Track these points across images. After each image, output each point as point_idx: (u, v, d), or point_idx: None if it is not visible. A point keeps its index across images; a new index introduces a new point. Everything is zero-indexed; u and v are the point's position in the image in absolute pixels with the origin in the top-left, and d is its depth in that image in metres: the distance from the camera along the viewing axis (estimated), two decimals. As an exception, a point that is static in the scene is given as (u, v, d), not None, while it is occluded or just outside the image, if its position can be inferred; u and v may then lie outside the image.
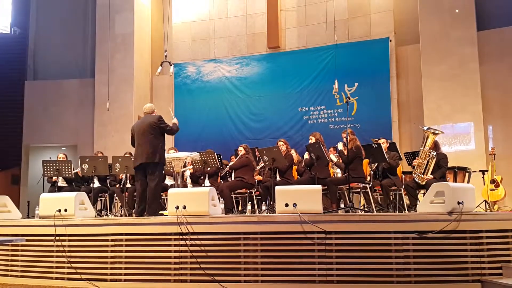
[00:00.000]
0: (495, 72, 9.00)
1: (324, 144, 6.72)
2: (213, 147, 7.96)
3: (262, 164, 7.17)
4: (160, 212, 5.84)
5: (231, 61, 11.15)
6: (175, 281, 4.91)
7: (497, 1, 9.38)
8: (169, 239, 4.98)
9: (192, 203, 5.05)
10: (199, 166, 7.31)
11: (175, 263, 4.94)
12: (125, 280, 5.05)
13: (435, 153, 6.10)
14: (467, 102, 8.84)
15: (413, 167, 6.34)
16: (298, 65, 10.54)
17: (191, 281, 4.87)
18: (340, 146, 6.59)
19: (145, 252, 5.04)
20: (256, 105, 10.83)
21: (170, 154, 6.86)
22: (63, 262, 5.26)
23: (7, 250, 5.59)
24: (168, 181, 7.53)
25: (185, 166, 6.98)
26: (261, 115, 10.75)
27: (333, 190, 6.48)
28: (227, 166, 7.39)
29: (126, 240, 5.13)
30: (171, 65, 9.65)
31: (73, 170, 7.38)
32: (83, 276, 5.14)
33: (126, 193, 7.32)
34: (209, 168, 7.31)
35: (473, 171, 7.27)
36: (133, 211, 6.43)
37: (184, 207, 4.99)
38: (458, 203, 4.59)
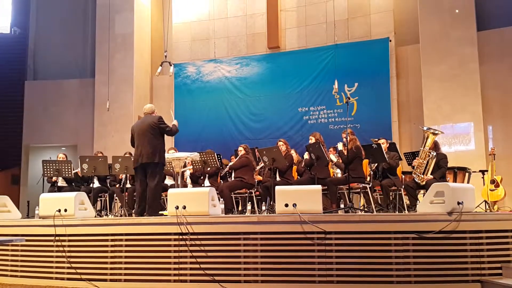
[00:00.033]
0: (495, 72, 9.00)
1: (324, 144, 6.72)
2: (213, 147, 7.96)
3: (262, 164, 7.17)
4: (160, 212, 5.84)
5: (231, 61, 11.15)
6: (175, 281, 4.91)
7: (497, 1, 9.38)
8: (169, 239, 4.98)
9: (192, 203, 5.05)
10: (199, 166, 7.31)
11: (175, 263, 4.93)
12: (125, 280, 5.05)
13: (435, 153, 6.10)
14: (467, 102, 8.85)
15: (413, 167, 6.34)
16: (298, 65, 10.54)
17: (191, 281, 4.87)
18: (340, 146, 6.59)
19: (145, 252, 5.04)
20: (256, 105, 10.83)
21: (170, 154, 6.86)
22: (63, 262, 5.26)
23: (7, 250, 5.58)
24: (168, 181, 7.54)
25: (185, 166, 6.98)
26: (261, 115, 10.75)
27: (333, 190, 6.48)
28: (227, 166, 7.39)
29: (126, 240, 5.13)
30: (171, 65, 9.65)
31: (73, 170, 7.38)
32: (83, 276, 5.13)
33: (126, 193, 7.32)
34: (209, 168, 7.31)
35: (473, 171, 7.27)
36: (133, 211, 6.43)
37: (184, 207, 4.99)
38: (458, 203, 4.59)
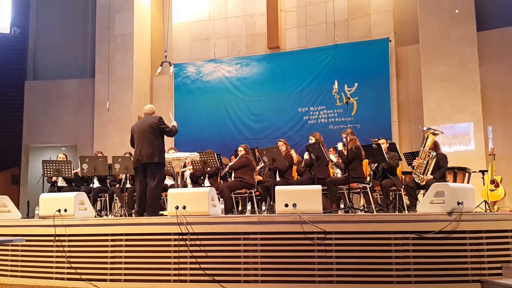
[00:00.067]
0: (495, 72, 9.00)
1: (324, 144, 6.72)
2: (213, 147, 7.96)
3: (262, 164, 7.17)
4: (160, 212, 5.84)
5: (231, 61, 11.15)
6: (175, 281, 4.91)
7: (497, 1, 9.38)
8: (169, 239, 4.98)
9: (192, 203, 5.05)
10: (199, 166, 7.31)
11: (175, 263, 4.93)
12: (125, 280, 5.05)
13: (435, 154, 6.10)
14: (467, 103, 8.85)
15: (413, 168, 6.34)
16: (298, 65, 10.54)
17: (191, 281, 4.87)
18: (340, 146, 6.59)
19: (145, 252, 5.04)
20: (256, 105, 10.83)
21: (170, 154, 6.87)
22: (63, 262, 5.26)
23: (7, 250, 5.58)
24: (168, 181, 7.53)
25: (185, 166, 6.98)
26: (261, 115, 10.76)
27: (333, 190, 6.48)
28: (227, 166, 7.39)
29: (126, 240, 5.13)
30: (171, 65, 9.65)
31: (73, 170, 7.38)
32: (83, 276, 5.13)
33: (126, 193, 7.32)
34: (209, 168, 7.31)
35: (473, 172, 7.27)
36: (133, 211, 6.43)
37: (184, 207, 4.99)
38: (458, 203, 4.59)
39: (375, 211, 6.09)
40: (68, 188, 7.52)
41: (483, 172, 7.68)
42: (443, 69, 9.04)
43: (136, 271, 5.03)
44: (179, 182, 6.58)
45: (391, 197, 6.65)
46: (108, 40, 10.79)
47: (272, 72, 10.79)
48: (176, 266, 4.92)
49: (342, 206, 6.69)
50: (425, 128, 6.33)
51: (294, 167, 7.42)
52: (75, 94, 11.50)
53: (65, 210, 5.46)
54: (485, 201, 7.35)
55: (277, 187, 5.16)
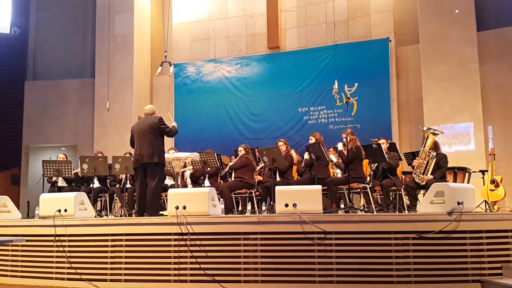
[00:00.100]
0: (495, 72, 9.00)
1: (324, 144, 6.72)
2: (213, 148, 7.96)
3: (262, 164, 7.17)
4: (160, 212, 5.84)
5: (231, 61, 11.15)
6: (175, 281, 4.91)
7: (497, 1, 9.38)
8: (169, 239, 4.98)
9: (192, 203, 5.05)
10: (199, 167, 7.31)
11: (175, 263, 4.93)
12: (125, 281, 5.05)
13: (435, 154, 6.10)
14: (467, 103, 8.85)
15: (413, 167, 6.34)
16: (298, 66, 10.54)
17: (191, 281, 4.87)
18: (340, 146, 6.59)
19: (145, 252, 5.04)
20: (256, 106, 10.83)
21: (170, 155, 6.87)
22: (63, 262, 5.26)
23: (7, 250, 5.58)
24: (168, 181, 7.54)
25: (185, 166, 6.99)
26: (261, 115, 10.76)
27: (333, 190, 6.48)
28: (227, 166, 7.39)
29: (126, 240, 5.13)
30: (171, 65, 9.65)
31: (73, 170, 7.38)
32: (83, 276, 5.13)
33: (126, 193, 7.32)
34: (209, 169, 7.31)
35: (473, 171, 7.27)
36: (133, 211, 6.43)
37: (184, 207, 4.99)
38: (458, 203, 4.59)
39: (375, 211, 6.09)
40: (68, 188, 7.52)
41: (483, 172, 7.68)
42: (443, 69, 9.04)
43: (136, 271, 5.03)
44: (179, 182, 6.58)
45: (391, 197, 6.66)
46: (108, 40, 10.79)
47: (272, 72, 10.79)
48: (176, 266, 4.92)
49: (342, 206, 6.69)
50: (425, 128, 6.33)
51: (294, 167, 7.42)
52: (75, 94, 11.50)
53: (65, 210, 5.46)
54: (485, 201, 7.35)
55: (277, 187, 5.16)
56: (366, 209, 6.57)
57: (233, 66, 11.11)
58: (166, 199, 6.13)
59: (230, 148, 9.71)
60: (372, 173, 6.68)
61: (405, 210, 6.51)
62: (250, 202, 6.95)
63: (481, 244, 4.56)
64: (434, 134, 6.15)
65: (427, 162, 6.11)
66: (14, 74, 11.84)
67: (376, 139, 7.00)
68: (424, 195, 5.59)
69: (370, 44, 10.02)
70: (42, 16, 12.13)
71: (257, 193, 7.20)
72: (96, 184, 7.69)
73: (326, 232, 4.67)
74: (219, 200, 5.73)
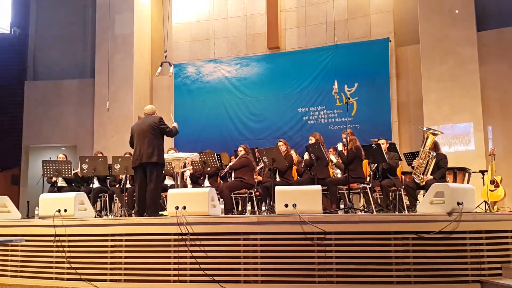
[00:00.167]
0: (494, 72, 9.00)
1: (324, 144, 6.72)
2: (213, 148, 7.96)
3: (262, 165, 7.17)
4: (160, 212, 5.84)
5: (231, 61, 11.15)
6: (174, 281, 4.90)
7: (497, 1, 9.38)
8: (169, 240, 4.98)
9: (192, 203, 5.05)
10: (199, 167, 7.31)
11: (174, 263, 4.93)
12: (125, 281, 5.05)
13: (434, 154, 6.10)
14: (466, 103, 8.85)
15: (413, 168, 6.34)
16: (298, 66, 10.54)
17: (191, 281, 4.87)
18: (340, 146, 6.59)
19: (145, 253, 5.04)
20: (256, 106, 10.83)
21: (170, 155, 6.87)
22: (63, 262, 5.26)
23: (7, 250, 5.58)
24: (168, 181, 7.54)
25: (185, 166, 6.98)
26: (261, 115, 10.75)
27: (332, 191, 6.48)
28: (227, 167, 7.39)
29: (126, 240, 5.12)
30: (171, 66, 9.64)
31: (73, 170, 7.38)
32: (83, 277, 5.13)
33: (126, 194, 7.33)
34: (209, 169, 7.32)
35: (472, 172, 7.27)
36: (133, 211, 6.43)
37: (184, 208, 4.99)
38: (458, 203, 4.59)
39: (375, 212, 6.09)
40: (68, 188, 7.52)
41: (483, 172, 7.68)
42: (443, 70, 9.04)
43: (136, 271, 5.03)
44: (179, 182, 6.59)
45: (391, 197, 6.66)
46: (108, 40, 10.79)
47: (272, 72, 10.79)
48: (176, 266, 4.92)
49: (342, 206, 6.69)
50: (425, 128, 6.33)
51: (294, 167, 7.43)
52: (75, 94, 11.50)
53: (65, 210, 5.46)
54: (485, 201, 7.35)
55: (277, 187, 5.16)
56: (366, 210, 6.57)
57: (233, 66, 11.11)
58: (166, 199, 6.13)
59: (230, 148, 9.71)
60: (372, 173, 6.68)
61: (405, 210, 6.51)
62: (250, 202, 6.95)
63: (481, 245, 4.56)
64: (434, 134, 6.15)
65: (427, 162, 6.11)
66: (14, 74, 11.84)
67: (376, 139, 7.00)
68: (424, 196, 5.59)
69: (370, 44, 10.02)
70: (42, 16, 12.14)
71: (257, 193, 7.21)
72: (96, 184, 7.69)
73: (326, 233, 4.66)
74: (219, 200, 5.73)
